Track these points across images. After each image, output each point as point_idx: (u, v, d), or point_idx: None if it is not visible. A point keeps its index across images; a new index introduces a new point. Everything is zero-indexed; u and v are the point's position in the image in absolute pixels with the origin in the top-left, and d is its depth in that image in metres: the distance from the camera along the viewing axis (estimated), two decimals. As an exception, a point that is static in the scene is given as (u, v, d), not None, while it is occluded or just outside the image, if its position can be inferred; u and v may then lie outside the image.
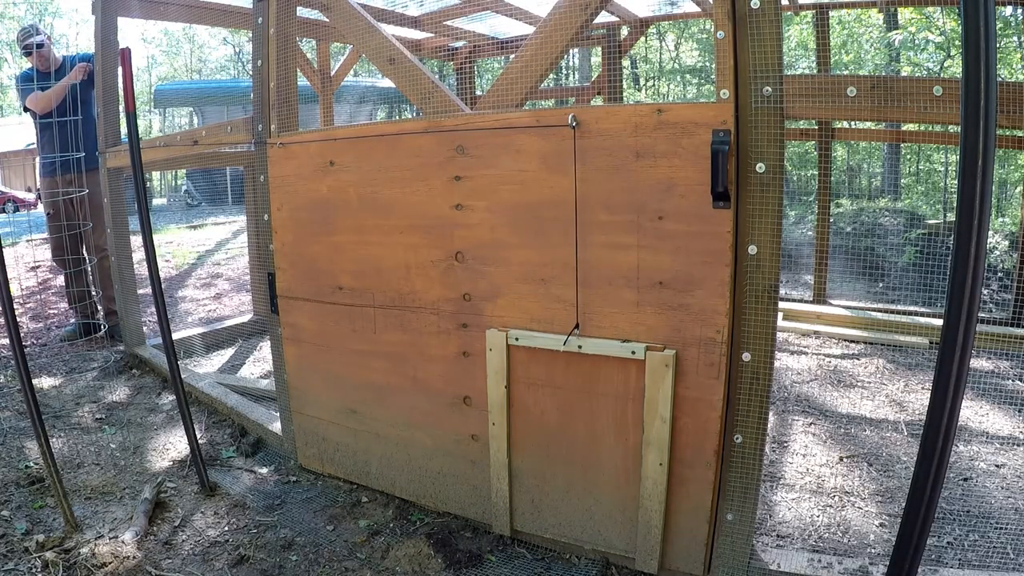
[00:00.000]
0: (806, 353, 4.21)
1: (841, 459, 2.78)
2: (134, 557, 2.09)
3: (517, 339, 2.05)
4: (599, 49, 5.99)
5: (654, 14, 5.10)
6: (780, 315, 4.61)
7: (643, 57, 18.33)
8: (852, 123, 6.69)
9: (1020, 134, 4.60)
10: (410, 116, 13.01)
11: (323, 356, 2.55)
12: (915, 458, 1.38)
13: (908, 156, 11.34)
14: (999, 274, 5.83)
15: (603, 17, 4.79)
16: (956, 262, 1.28)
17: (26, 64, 4.26)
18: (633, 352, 1.87)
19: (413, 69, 2.23)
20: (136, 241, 3.57)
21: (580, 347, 1.94)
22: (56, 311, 5.32)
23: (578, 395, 2.01)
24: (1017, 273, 4.43)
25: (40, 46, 4.10)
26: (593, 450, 2.03)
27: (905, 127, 6.86)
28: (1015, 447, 2.84)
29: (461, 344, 2.19)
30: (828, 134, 5.12)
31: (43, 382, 3.66)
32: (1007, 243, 6.26)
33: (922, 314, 4.69)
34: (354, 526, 2.36)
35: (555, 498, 2.13)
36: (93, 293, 4.45)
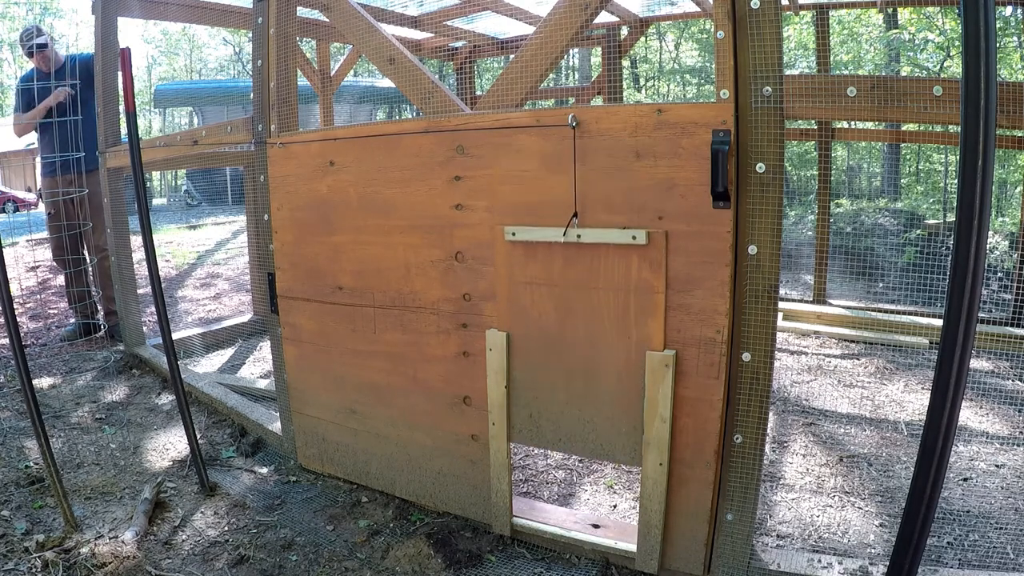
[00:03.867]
0: (806, 353, 4.21)
1: (841, 459, 2.78)
2: (134, 557, 2.09)
3: (514, 234, 1.99)
4: (599, 49, 5.99)
5: (654, 14, 5.10)
6: (780, 315, 4.62)
7: (643, 57, 18.33)
8: (852, 123, 6.69)
9: (1020, 134, 4.60)
10: (410, 116, 13.01)
11: (323, 356, 2.55)
12: (915, 458, 1.38)
13: (908, 156, 11.34)
14: (999, 274, 5.83)
15: (603, 17, 4.79)
16: (956, 262, 1.28)
17: (28, 65, 4.30)
18: (634, 237, 1.81)
19: (413, 69, 2.23)
20: (136, 241, 3.58)
21: (579, 236, 1.88)
22: (56, 311, 5.32)
23: (577, 292, 1.94)
24: (1017, 273, 4.43)
25: (43, 47, 4.11)
26: (594, 350, 1.96)
27: (905, 127, 6.86)
28: (1015, 447, 2.84)
29: (461, 344, 2.19)
30: (828, 134, 5.12)
31: (43, 382, 3.66)
32: (1007, 243, 6.26)
33: (922, 314, 4.69)
34: (354, 526, 2.36)
35: (555, 409, 2.06)
36: (93, 293, 4.45)
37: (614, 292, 1.89)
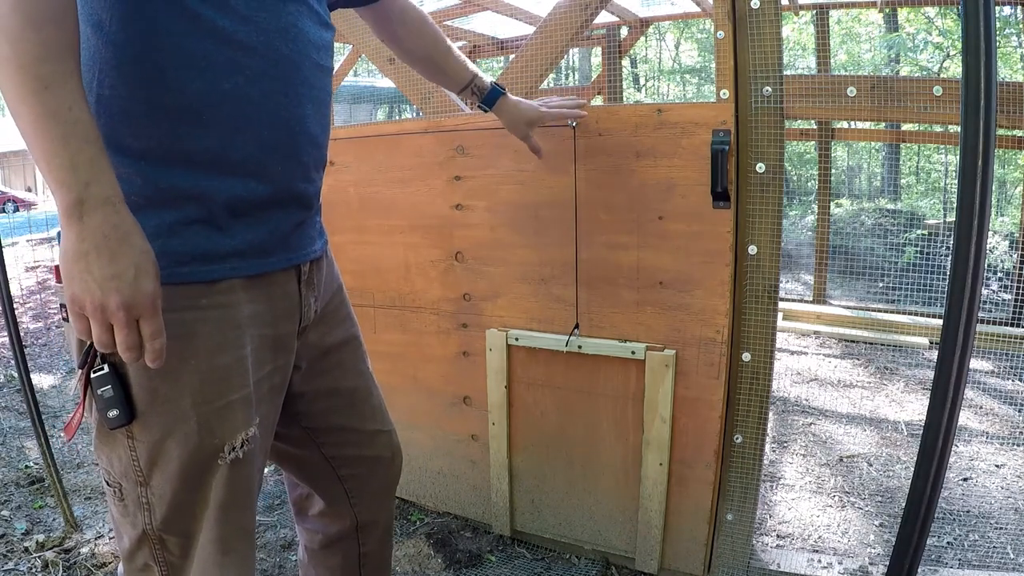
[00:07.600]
0: (806, 353, 4.21)
1: (841, 459, 2.78)
2: (134, 557, 2.08)
3: (517, 339, 2.04)
4: (599, 49, 5.99)
5: (654, 14, 5.10)
6: (780, 315, 4.62)
7: (643, 57, 18.33)
8: (852, 123, 6.70)
9: (1020, 134, 4.60)
10: (410, 116, 13.01)
11: (323, 356, 2.55)
12: (915, 458, 1.37)
13: (908, 156, 11.35)
14: (999, 274, 5.84)
15: (603, 17, 4.79)
16: (956, 263, 1.28)
17: None
18: (633, 352, 1.87)
19: (413, 69, 2.22)
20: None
21: (580, 347, 1.94)
22: (56, 311, 5.32)
23: (578, 395, 2.01)
24: (1017, 273, 4.43)
25: None
26: (593, 450, 2.03)
27: (905, 127, 6.86)
28: (1015, 447, 2.84)
29: (461, 344, 2.19)
30: (828, 134, 5.13)
31: (43, 381, 3.66)
32: (1007, 243, 6.27)
33: (922, 314, 4.69)
34: (354, 526, 2.36)
35: (555, 498, 2.13)
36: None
37: (613, 399, 1.97)
